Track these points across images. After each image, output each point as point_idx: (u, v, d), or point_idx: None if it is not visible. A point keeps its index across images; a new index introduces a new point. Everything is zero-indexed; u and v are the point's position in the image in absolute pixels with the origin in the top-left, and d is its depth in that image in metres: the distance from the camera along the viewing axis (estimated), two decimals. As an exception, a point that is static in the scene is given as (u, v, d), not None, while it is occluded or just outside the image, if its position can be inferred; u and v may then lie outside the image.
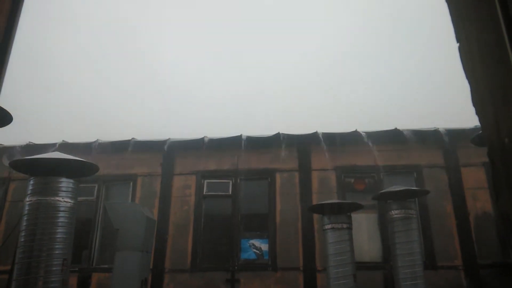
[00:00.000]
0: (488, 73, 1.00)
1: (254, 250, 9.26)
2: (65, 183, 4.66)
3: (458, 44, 1.14)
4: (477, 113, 1.01)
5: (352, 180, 9.43)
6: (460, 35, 1.15)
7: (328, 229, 6.28)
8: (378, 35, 29.43)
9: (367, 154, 9.31)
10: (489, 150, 0.95)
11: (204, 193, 9.60)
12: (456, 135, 9.17)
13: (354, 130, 9.36)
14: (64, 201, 4.57)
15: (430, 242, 8.56)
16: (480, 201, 8.95)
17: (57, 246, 4.42)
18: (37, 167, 4.73)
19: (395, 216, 6.15)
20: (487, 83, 1.01)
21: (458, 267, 8.43)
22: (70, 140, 9.77)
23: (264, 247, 9.20)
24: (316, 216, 8.80)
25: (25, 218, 4.54)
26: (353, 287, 5.74)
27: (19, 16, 1.44)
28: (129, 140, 9.72)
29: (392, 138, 9.29)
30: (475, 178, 9.11)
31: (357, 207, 6.46)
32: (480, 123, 1.03)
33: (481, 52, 1.05)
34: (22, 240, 4.44)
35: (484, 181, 9.08)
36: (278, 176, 9.55)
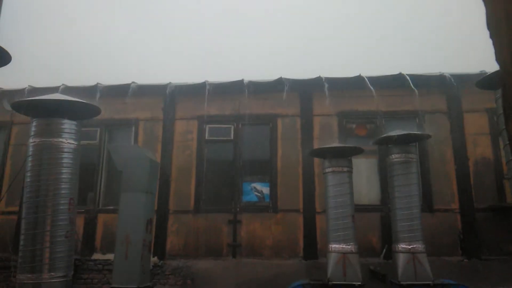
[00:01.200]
0: (506, -6, 0.95)
1: (256, 193, 9.47)
2: (68, 125, 4.66)
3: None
4: (491, 36, 0.97)
5: (354, 126, 9.44)
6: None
7: (329, 172, 6.37)
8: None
9: (370, 99, 9.24)
10: (502, 73, 0.93)
11: (206, 138, 9.65)
12: (460, 80, 9.04)
13: (357, 74, 9.21)
14: (68, 142, 4.60)
15: (429, 186, 8.73)
16: (481, 147, 9.01)
17: (63, 186, 4.51)
18: (39, 108, 4.72)
19: (395, 160, 6.22)
20: (504, 6, 0.97)
21: (454, 210, 8.65)
22: (71, 84, 9.67)
23: (266, 190, 9.40)
24: (316, 161, 8.90)
25: (30, 160, 4.60)
26: (351, 227, 5.93)
27: None
28: (129, 84, 9.62)
29: (396, 83, 9.17)
30: (477, 124, 9.11)
31: (357, 151, 6.52)
32: (494, 46, 0.99)
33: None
34: (28, 180, 4.52)
35: (486, 127, 9.10)
36: (279, 122, 9.55)
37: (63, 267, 4.29)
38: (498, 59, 0.93)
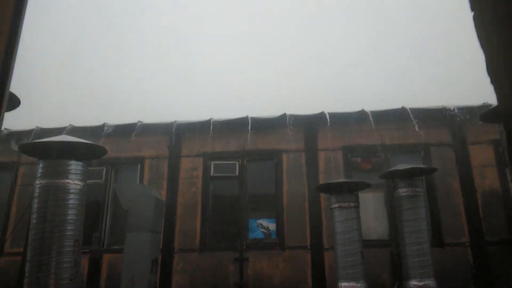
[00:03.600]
0: (503, 41, 0.98)
1: (262, 229, 9.35)
2: (74, 166, 4.70)
3: (472, 13, 1.12)
4: (492, 81, 1.00)
5: (359, 160, 9.43)
6: (475, 5, 1.12)
7: (336, 208, 6.31)
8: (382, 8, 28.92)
9: (374, 133, 9.28)
10: (505, 118, 0.94)
11: (211, 174, 9.66)
12: (464, 112, 9.09)
13: (361, 109, 9.30)
14: (74, 183, 4.62)
15: (437, 219, 8.59)
16: (488, 178, 8.93)
17: (68, 228, 4.49)
18: (46, 150, 4.77)
19: (403, 194, 6.17)
20: (503, 51, 1.00)
21: (465, 244, 8.47)
22: (78, 124, 9.82)
23: (272, 226, 9.29)
24: (323, 196, 8.84)
25: (36, 201, 4.61)
26: (361, 264, 5.80)
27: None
28: (135, 123, 9.75)
29: (399, 117, 9.24)
30: (483, 155, 9.07)
31: (364, 186, 6.48)
32: (495, 91, 1.01)
33: (495, 20, 1.03)
34: (34, 222, 4.51)
35: (492, 158, 9.04)
36: (284, 157, 9.57)
37: (68, 311, 4.21)
38: (500, 104, 0.95)
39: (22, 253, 8.93)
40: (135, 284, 5.48)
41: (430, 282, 5.58)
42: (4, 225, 9.64)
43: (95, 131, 9.56)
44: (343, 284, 5.65)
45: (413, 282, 5.58)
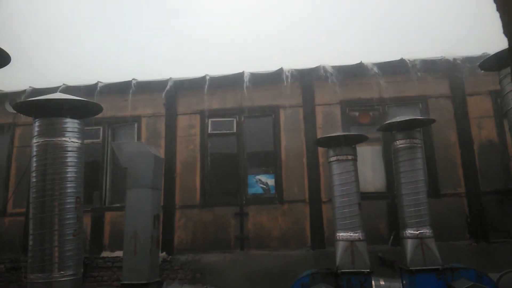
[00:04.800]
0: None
1: (261, 185, 9.47)
2: (71, 124, 4.65)
3: None
4: (498, 8, 0.94)
5: (357, 114, 9.39)
6: None
7: (333, 161, 6.35)
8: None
9: (372, 86, 9.20)
10: (511, 44, 0.90)
11: (209, 132, 9.64)
12: (463, 63, 8.96)
13: (359, 62, 9.15)
14: (71, 141, 4.59)
15: (434, 171, 8.69)
16: (485, 129, 8.95)
17: (68, 185, 4.51)
18: (41, 109, 4.71)
19: (400, 146, 6.18)
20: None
21: (461, 194, 8.63)
22: (71, 83, 9.66)
23: (271, 182, 9.40)
24: (321, 150, 8.89)
25: (35, 160, 4.60)
26: (358, 215, 5.92)
27: None
28: (130, 81, 9.61)
29: (398, 69, 9.11)
30: (481, 107, 9.05)
31: (362, 139, 6.49)
32: (501, 19, 0.96)
33: None
34: (34, 180, 4.52)
35: (490, 109, 9.03)
36: (282, 112, 9.52)
37: (73, 266, 4.31)
38: (506, 32, 0.90)
39: (25, 213, 9.07)
40: (138, 239, 5.59)
41: (426, 230, 5.71)
42: (5, 186, 9.73)
43: (89, 90, 9.43)
44: (341, 234, 5.79)
45: (409, 231, 5.72)
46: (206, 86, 9.42)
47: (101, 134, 9.83)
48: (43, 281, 4.17)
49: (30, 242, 4.33)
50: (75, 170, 4.56)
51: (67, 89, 9.28)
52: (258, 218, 9.00)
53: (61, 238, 4.29)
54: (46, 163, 4.50)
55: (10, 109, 9.36)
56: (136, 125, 9.79)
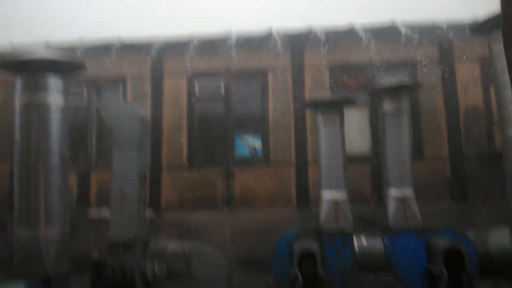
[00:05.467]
0: None
1: (248, 148, 9.52)
2: (54, 81, 4.55)
3: None
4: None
5: (346, 78, 9.37)
6: None
7: (321, 123, 6.37)
8: None
9: (362, 50, 9.10)
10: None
11: (196, 94, 9.55)
12: (453, 28, 8.91)
13: (349, 24, 9.02)
14: (55, 98, 4.51)
15: (419, 135, 8.84)
16: (472, 95, 9.05)
17: (53, 143, 4.47)
18: (23, 65, 4.58)
19: (387, 109, 6.22)
20: None
21: (444, 157, 8.81)
22: (53, 40, 9.36)
23: (258, 144, 9.45)
24: (308, 113, 8.91)
25: (18, 118, 4.52)
26: (343, 177, 6.02)
27: None
28: (114, 40, 9.34)
29: (388, 33, 9.01)
30: (468, 72, 9.10)
31: (350, 102, 6.51)
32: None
33: None
34: (18, 138, 4.47)
35: (478, 75, 9.09)
36: (270, 75, 9.44)
37: (60, 222, 4.34)
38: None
39: (9, 174, 9.00)
40: (125, 198, 5.63)
41: (408, 191, 5.88)
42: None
43: (72, 48, 9.16)
44: (326, 194, 5.93)
45: (392, 192, 5.87)
46: (192, 47, 9.23)
47: (85, 95, 9.65)
48: (30, 237, 4.20)
49: (16, 199, 4.33)
50: (59, 128, 4.50)
51: (49, 46, 9.01)
52: (245, 180, 9.10)
53: (47, 195, 4.30)
54: (30, 121, 4.44)
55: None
56: (121, 86, 9.62)
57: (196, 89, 9.54)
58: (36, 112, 4.47)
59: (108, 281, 5.30)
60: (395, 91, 6.26)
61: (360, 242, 6.24)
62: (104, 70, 9.48)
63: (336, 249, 5.62)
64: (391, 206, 5.91)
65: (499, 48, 5.09)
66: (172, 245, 5.73)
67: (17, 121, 4.53)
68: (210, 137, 9.58)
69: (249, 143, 9.50)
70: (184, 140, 9.30)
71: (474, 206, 8.44)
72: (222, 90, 9.51)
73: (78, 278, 5.20)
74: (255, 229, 8.38)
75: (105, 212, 8.60)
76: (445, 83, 9.03)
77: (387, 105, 6.25)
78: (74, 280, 4.68)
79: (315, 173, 7.84)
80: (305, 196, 8.82)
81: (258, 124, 9.46)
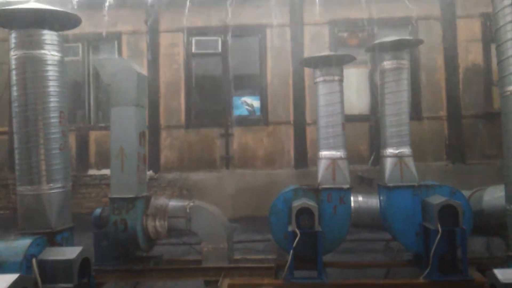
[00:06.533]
0: None
1: (246, 106, 9.48)
2: (49, 36, 4.42)
3: None
4: None
5: (346, 35, 9.21)
6: None
7: (320, 81, 6.27)
8: None
9: (362, 6, 8.88)
10: None
11: (192, 51, 9.40)
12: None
13: (350, -22, 8.76)
14: (51, 54, 4.40)
15: (418, 94, 8.81)
16: (472, 53, 8.95)
17: (51, 100, 4.40)
18: (16, 19, 4.45)
19: (387, 66, 6.11)
20: None
21: (442, 117, 8.84)
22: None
23: (256, 103, 9.41)
24: (307, 72, 8.81)
25: (14, 73, 4.43)
26: (341, 135, 6.00)
27: None
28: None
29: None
30: (470, 30, 8.96)
31: (349, 59, 6.37)
32: None
33: None
34: (16, 94, 4.39)
35: (479, 33, 8.95)
36: (268, 32, 9.27)
37: (61, 179, 4.37)
38: None
39: (8, 132, 8.98)
40: (125, 155, 5.65)
41: (406, 150, 5.87)
42: (-16, 105, 9.49)
43: (64, 2, 8.86)
44: (324, 153, 5.91)
45: (389, 150, 5.87)
46: (188, 2, 8.97)
47: (80, 52, 9.48)
48: (32, 193, 4.24)
49: (17, 156, 4.33)
50: (57, 84, 4.43)
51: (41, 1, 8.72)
52: (243, 139, 9.13)
53: (47, 152, 4.29)
54: (26, 77, 4.35)
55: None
56: (116, 42, 9.43)
57: (193, 46, 9.37)
58: (32, 67, 4.38)
59: (110, 237, 5.41)
60: (396, 47, 6.15)
61: (357, 198, 6.35)
62: (99, 26, 9.25)
63: (333, 206, 5.71)
64: (388, 163, 5.94)
65: (502, 3, 4.96)
66: (173, 203, 5.80)
67: (13, 77, 4.46)
68: (208, 96, 9.52)
69: (247, 102, 9.45)
70: (181, 99, 9.24)
71: (470, 167, 8.55)
72: (220, 47, 9.34)
73: (81, 234, 5.31)
74: (254, 188, 8.51)
75: (105, 170, 8.70)
76: (446, 41, 8.90)
77: (387, 62, 6.14)
78: (77, 236, 4.78)
79: (313, 133, 7.88)
80: (303, 156, 8.90)
81: (256, 83, 9.37)
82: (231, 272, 5.28)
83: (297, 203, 5.22)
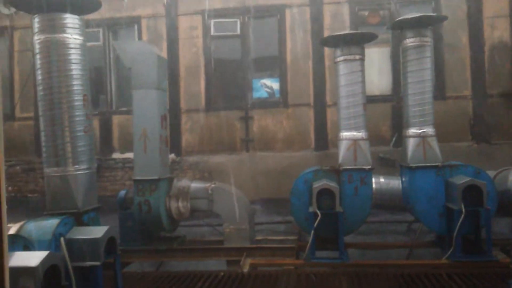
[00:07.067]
0: None
1: (266, 89, 9.44)
2: (71, 19, 4.48)
3: None
4: None
5: (366, 13, 8.99)
6: None
7: (340, 61, 6.18)
8: None
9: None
10: None
11: (211, 33, 9.35)
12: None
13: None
14: (73, 37, 4.46)
15: (442, 72, 8.58)
16: (498, 30, 8.63)
17: (75, 83, 4.48)
18: (38, 3, 4.51)
19: (409, 44, 5.96)
20: None
21: (467, 97, 8.61)
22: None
23: (275, 85, 9.36)
24: (327, 53, 8.68)
25: (38, 57, 4.51)
26: (363, 115, 5.93)
27: None
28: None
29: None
30: (496, 5, 8.62)
31: (370, 38, 6.24)
32: None
33: None
34: (40, 78, 4.49)
35: (506, 8, 8.61)
36: (288, 13, 9.14)
37: (86, 160, 4.47)
38: None
39: (33, 117, 9.21)
40: (148, 138, 5.73)
41: (429, 129, 5.76)
42: (10, 91, 9.74)
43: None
44: (345, 133, 5.87)
45: (412, 130, 5.78)
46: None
47: (101, 37, 9.57)
48: (59, 175, 4.36)
49: (43, 139, 4.44)
50: (79, 67, 4.50)
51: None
52: (263, 122, 9.13)
53: (72, 134, 4.39)
54: (50, 61, 4.43)
55: (5, 11, 9.02)
56: (136, 26, 9.48)
57: (212, 29, 9.33)
58: (55, 50, 4.45)
59: (135, 218, 5.55)
60: (418, 24, 5.99)
61: (378, 179, 6.30)
62: (118, 10, 9.31)
63: (354, 186, 5.68)
64: (411, 143, 5.85)
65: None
66: (195, 184, 5.88)
67: (37, 61, 4.54)
68: (228, 79, 9.51)
69: (267, 84, 9.41)
70: (201, 82, 9.26)
71: (495, 147, 8.34)
72: (238, 29, 9.27)
73: (107, 215, 5.46)
74: (274, 170, 8.53)
75: (128, 154, 8.85)
76: (471, 17, 8.60)
77: (409, 39, 5.99)
78: (103, 217, 4.90)
79: (333, 115, 7.79)
80: (324, 138, 8.84)
81: (275, 64, 9.30)
82: (253, 252, 5.35)
83: (317, 184, 5.22)
